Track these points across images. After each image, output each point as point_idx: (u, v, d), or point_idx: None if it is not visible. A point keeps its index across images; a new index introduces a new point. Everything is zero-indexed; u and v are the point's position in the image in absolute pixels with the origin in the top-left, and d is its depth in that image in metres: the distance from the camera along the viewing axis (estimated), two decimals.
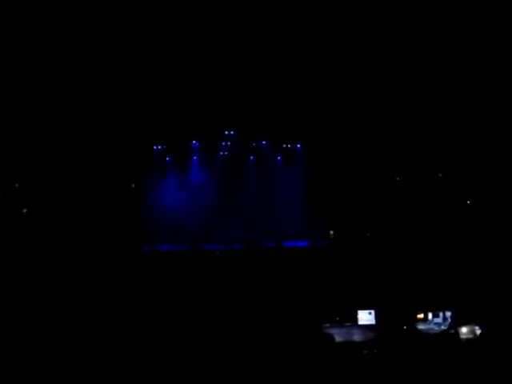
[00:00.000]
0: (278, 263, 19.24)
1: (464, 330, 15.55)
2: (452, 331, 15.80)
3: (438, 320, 16.67)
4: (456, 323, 16.16)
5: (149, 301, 17.28)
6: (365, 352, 14.00)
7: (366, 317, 16.75)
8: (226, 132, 21.54)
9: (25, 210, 20.47)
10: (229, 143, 21.73)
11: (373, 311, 16.79)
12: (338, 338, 15.58)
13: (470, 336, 15.46)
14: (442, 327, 16.50)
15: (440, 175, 20.54)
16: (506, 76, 17.93)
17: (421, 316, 16.75)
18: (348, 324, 16.62)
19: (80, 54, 18.58)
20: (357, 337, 16.00)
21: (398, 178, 20.89)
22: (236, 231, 21.02)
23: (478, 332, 15.38)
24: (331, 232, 20.77)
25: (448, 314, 16.66)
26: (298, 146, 21.65)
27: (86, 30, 17.91)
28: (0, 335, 13.71)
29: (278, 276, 18.54)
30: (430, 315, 16.77)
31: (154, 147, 21.60)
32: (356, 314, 16.86)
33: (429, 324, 16.65)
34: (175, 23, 18.29)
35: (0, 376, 10.24)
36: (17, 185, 20.55)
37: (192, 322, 16.20)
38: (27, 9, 17.11)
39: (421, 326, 16.59)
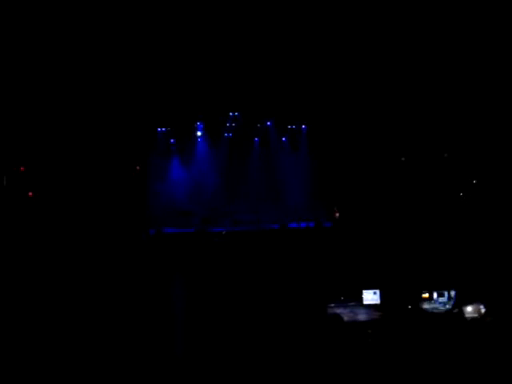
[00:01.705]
0: (283, 244, 19.27)
1: (469, 308, 15.56)
2: (456, 310, 15.81)
3: (443, 299, 16.66)
4: (460, 302, 16.16)
5: (154, 284, 17.37)
6: (369, 331, 14.06)
7: (370, 296, 16.75)
8: (231, 113, 21.44)
9: (30, 194, 20.54)
10: (233, 124, 21.64)
11: (378, 291, 16.80)
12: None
13: (475, 315, 15.47)
14: (447, 306, 16.51)
15: (446, 155, 20.41)
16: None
17: (426, 295, 16.75)
18: (353, 304, 16.65)
19: (83, 38, 18.50)
20: (362, 316, 16.04)
21: (403, 159, 20.78)
22: (241, 213, 21.03)
23: (483, 311, 15.39)
24: (337, 214, 20.74)
25: (453, 293, 16.65)
26: (303, 126, 21.54)
27: (87, 16, 17.82)
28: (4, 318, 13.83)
29: (283, 257, 18.56)
30: (435, 294, 16.76)
31: (158, 129, 21.55)
32: (361, 294, 16.89)
33: (434, 303, 16.65)
34: (179, 7, 18.16)
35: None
36: (22, 168, 20.59)
37: (197, 303, 16.30)
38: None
39: (426, 306, 16.60)
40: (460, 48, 18.52)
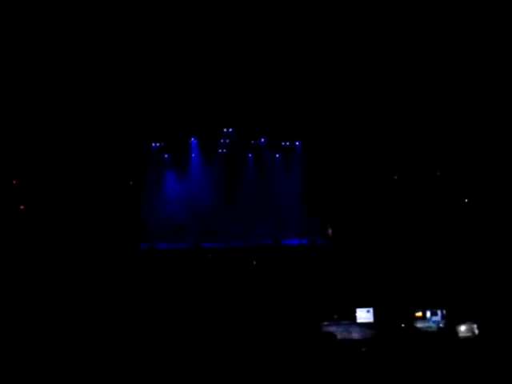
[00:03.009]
0: (276, 261, 19.26)
1: (462, 328, 15.64)
2: (445, 329, 15.88)
3: (437, 318, 16.73)
4: (450, 321, 16.24)
5: (146, 297, 17.30)
6: (363, 349, 14.09)
7: (364, 315, 16.82)
8: (225, 129, 21.48)
9: (22, 207, 20.41)
10: (227, 140, 21.67)
11: (371, 309, 16.85)
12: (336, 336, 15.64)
13: (469, 334, 15.54)
14: (440, 325, 16.58)
15: (438, 174, 20.56)
16: (503, 76, 17.97)
17: (419, 314, 16.81)
18: (346, 322, 16.67)
19: (78, 54, 18.53)
20: (355, 335, 16.07)
21: (396, 177, 20.90)
22: (235, 229, 21.00)
23: (476, 330, 15.47)
24: (330, 230, 20.79)
25: (442, 312, 16.75)
26: (297, 143, 21.62)
27: (83, 32, 17.89)
28: None
29: (276, 273, 18.55)
30: (428, 313, 16.84)
31: (153, 144, 21.53)
32: (354, 312, 16.91)
33: (427, 322, 16.72)
34: (174, 22, 18.26)
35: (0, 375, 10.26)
36: (15, 182, 20.48)
37: (190, 321, 16.23)
38: (27, 8, 17.07)
39: (419, 324, 16.66)
40: (453, 66, 18.75)
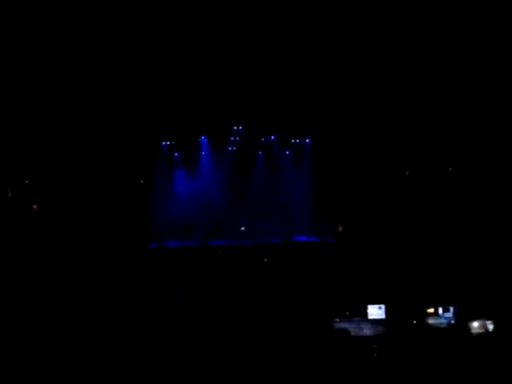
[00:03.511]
0: (286, 258, 19.19)
1: (475, 324, 15.45)
2: (456, 326, 15.71)
3: (449, 315, 16.55)
4: (461, 318, 16.07)
5: (155, 296, 17.30)
6: (375, 346, 13.96)
7: (376, 311, 16.66)
8: (235, 127, 21.48)
9: (35, 207, 20.54)
10: (237, 138, 21.68)
11: (383, 306, 16.71)
12: None
13: (481, 330, 15.36)
14: (452, 322, 16.40)
15: (450, 169, 20.39)
16: None
17: (431, 310, 16.65)
18: (358, 318, 16.56)
19: (90, 50, 18.61)
20: (367, 331, 15.94)
21: (407, 173, 20.75)
22: (244, 226, 20.99)
23: (490, 326, 15.28)
24: (340, 227, 20.69)
25: (453, 308, 16.58)
26: (307, 140, 21.57)
27: (94, 24, 17.94)
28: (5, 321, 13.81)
29: (286, 271, 18.48)
30: (440, 310, 16.66)
31: (163, 143, 21.59)
32: (366, 309, 16.79)
33: (439, 319, 16.55)
34: (185, 18, 18.28)
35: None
36: (27, 181, 20.62)
37: (199, 317, 16.21)
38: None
39: (431, 321, 16.50)
40: (465, 61, 18.57)
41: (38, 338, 13.93)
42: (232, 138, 21.70)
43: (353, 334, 15.50)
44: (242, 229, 19.59)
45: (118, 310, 16.30)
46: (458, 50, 18.42)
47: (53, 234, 19.51)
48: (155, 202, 21.01)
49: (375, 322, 16.36)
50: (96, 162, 20.55)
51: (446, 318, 16.44)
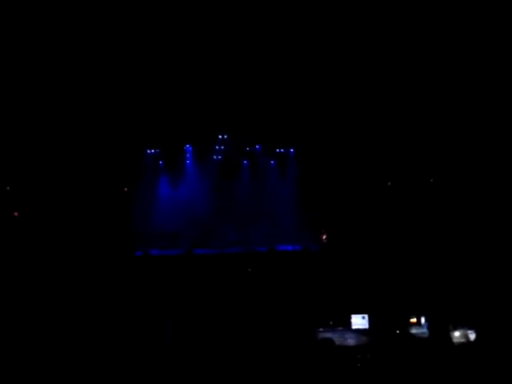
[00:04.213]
0: (270, 267, 19.26)
1: (457, 333, 15.71)
2: (436, 336, 15.93)
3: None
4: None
5: (141, 304, 17.25)
6: (359, 356, 14.11)
7: (359, 321, 16.84)
8: (220, 136, 21.52)
9: (16, 214, 20.33)
10: (222, 147, 21.71)
11: (366, 315, 16.87)
12: None
13: (463, 340, 15.61)
14: (426, 331, 16.64)
15: (432, 180, 20.68)
16: (499, 83, 18.12)
17: (414, 320, 16.86)
18: (341, 328, 16.69)
19: (75, 60, 18.54)
20: (350, 341, 16.10)
21: (389, 183, 21.00)
22: (229, 235, 21.01)
23: (471, 336, 15.54)
24: (324, 236, 20.84)
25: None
26: (292, 150, 21.70)
27: (81, 37, 17.91)
28: None
29: (270, 280, 18.55)
30: (422, 319, 16.89)
31: (148, 151, 21.53)
32: (349, 319, 16.93)
33: (422, 328, 16.77)
34: (170, 28, 18.31)
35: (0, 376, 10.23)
36: (8, 188, 20.42)
37: (184, 327, 16.19)
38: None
39: (414, 330, 16.71)
40: (446, 74, 18.87)
41: (27, 344, 13.82)
42: (217, 147, 21.73)
43: (337, 343, 15.64)
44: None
45: (106, 317, 16.23)
46: (439, 65, 18.74)
47: (36, 241, 19.33)
48: (139, 210, 20.92)
49: (359, 331, 16.53)
50: (80, 169, 20.42)
51: (428, 328, 16.68)
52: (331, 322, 16.84)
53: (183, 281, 18.33)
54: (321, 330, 16.55)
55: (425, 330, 16.65)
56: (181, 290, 17.73)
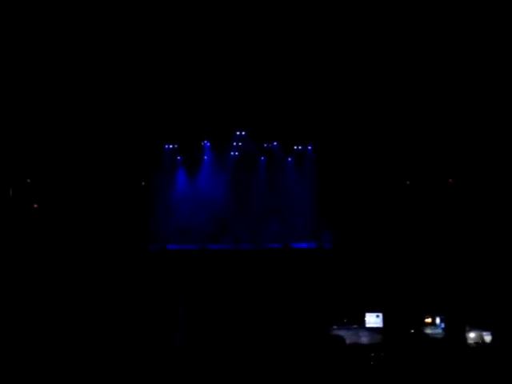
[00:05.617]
0: (285, 264, 19.24)
1: (472, 335, 15.52)
2: (452, 336, 15.76)
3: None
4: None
5: (155, 300, 17.36)
6: (372, 354, 14.02)
7: (373, 319, 16.75)
8: (238, 132, 21.57)
9: (35, 206, 20.62)
10: (240, 143, 21.77)
11: (380, 314, 16.77)
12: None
13: (478, 341, 15.42)
14: (442, 332, 16.47)
15: (451, 180, 20.45)
16: None
17: (428, 320, 16.71)
18: (355, 326, 16.62)
19: (93, 51, 18.69)
20: (364, 339, 16.02)
21: (408, 182, 20.84)
22: (244, 231, 21.05)
23: (487, 338, 15.34)
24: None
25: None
26: (309, 147, 21.66)
27: (95, 27, 18.04)
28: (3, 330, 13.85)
29: (284, 277, 18.53)
30: (437, 320, 16.73)
31: (165, 146, 21.69)
32: (363, 317, 16.85)
33: (436, 328, 16.61)
34: (187, 22, 18.38)
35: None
36: (28, 180, 20.71)
37: (197, 323, 16.27)
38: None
39: (428, 331, 16.56)
40: (468, 72, 18.64)
41: (39, 338, 13.98)
42: (235, 143, 21.79)
43: (350, 341, 15.57)
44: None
45: (118, 312, 16.36)
46: (461, 61, 18.51)
47: (53, 234, 19.58)
48: (156, 205, 21.07)
49: (372, 330, 16.44)
50: (98, 163, 20.63)
51: (443, 328, 16.51)
52: (345, 320, 16.78)
53: (198, 276, 18.41)
54: (335, 327, 16.49)
55: (439, 331, 16.48)
56: (194, 285, 17.80)
